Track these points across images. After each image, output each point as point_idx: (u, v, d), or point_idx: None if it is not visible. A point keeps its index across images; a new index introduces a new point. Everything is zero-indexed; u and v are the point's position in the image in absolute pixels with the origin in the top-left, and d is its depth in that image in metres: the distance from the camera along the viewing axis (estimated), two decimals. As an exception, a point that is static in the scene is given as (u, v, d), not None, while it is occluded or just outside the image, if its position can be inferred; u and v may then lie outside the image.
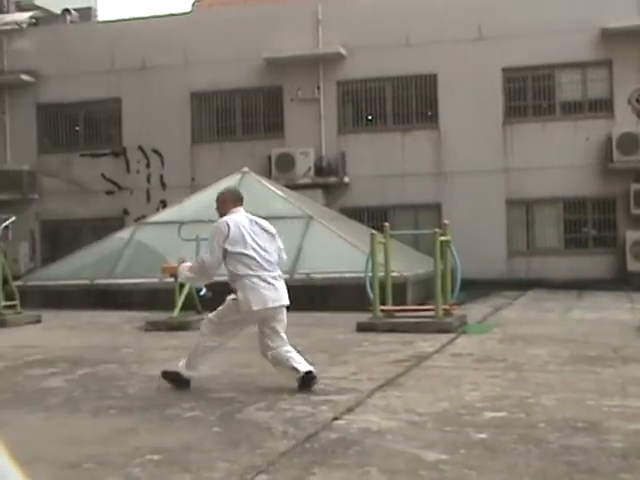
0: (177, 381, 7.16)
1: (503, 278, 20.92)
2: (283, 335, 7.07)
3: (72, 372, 8.31)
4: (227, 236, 6.90)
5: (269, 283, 6.91)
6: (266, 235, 7.13)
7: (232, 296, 7.04)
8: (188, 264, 7.49)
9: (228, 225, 6.94)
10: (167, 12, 26.40)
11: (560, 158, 21.32)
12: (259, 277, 6.88)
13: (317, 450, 4.96)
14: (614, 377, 7.42)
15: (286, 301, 7.07)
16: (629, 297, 17.27)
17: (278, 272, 7.10)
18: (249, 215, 7.21)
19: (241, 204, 7.28)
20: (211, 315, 7.23)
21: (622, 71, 21.11)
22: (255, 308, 6.82)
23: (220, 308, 7.15)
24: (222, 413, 6.10)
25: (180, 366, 7.16)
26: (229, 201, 7.26)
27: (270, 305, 6.90)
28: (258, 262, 6.91)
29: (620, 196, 21.19)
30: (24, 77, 24.70)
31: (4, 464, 1.56)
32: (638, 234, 20.61)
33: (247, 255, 6.89)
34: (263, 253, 6.97)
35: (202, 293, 13.21)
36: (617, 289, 19.23)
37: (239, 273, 6.90)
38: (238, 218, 7.06)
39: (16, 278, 16.08)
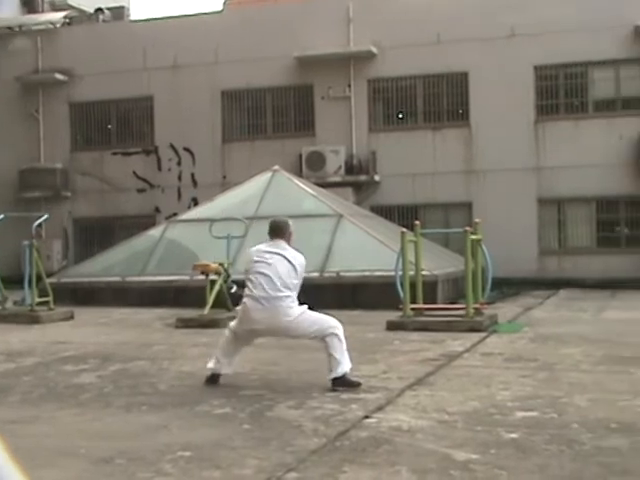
0: None
1: (534, 277, 20.77)
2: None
3: (104, 368, 8.38)
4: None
5: (261, 304, 7.21)
6: (283, 260, 7.45)
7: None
8: None
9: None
10: (198, 11, 26.47)
11: (592, 156, 21.13)
12: (251, 298, 7.28)
13: (347, 448, 4.96)
14: (648, 378, 7.34)
15: (274, 321, 7.23)
16: (663, 297, 17.07)
17: (279, 293, 7.27)
18: (273, 246, 7.57)
19: (274, 236, 7.66)
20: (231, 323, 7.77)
21: (656, 68, 20.88)
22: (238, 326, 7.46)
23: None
24: (252, 410, 6.11)
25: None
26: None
27: (255, 326, 7.29)
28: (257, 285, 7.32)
29: (654, 195, 20.97)
30: (58, 76, 24.90)
31: (5, 464, 1.56)
32: (672, 233, 20.38)
33: (249, 279, 7.40)
34: (272, 276, 7.31)
35: (233, 291, 13.26)
36: (651, 289, 19.03)
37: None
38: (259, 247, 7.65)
39: (49, 275, 16.24)
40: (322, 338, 7.16)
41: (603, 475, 4.34)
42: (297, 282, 7.43)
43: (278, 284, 7.24)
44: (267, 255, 7.43)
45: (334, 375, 6.99)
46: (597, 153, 21.12)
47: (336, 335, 7.15)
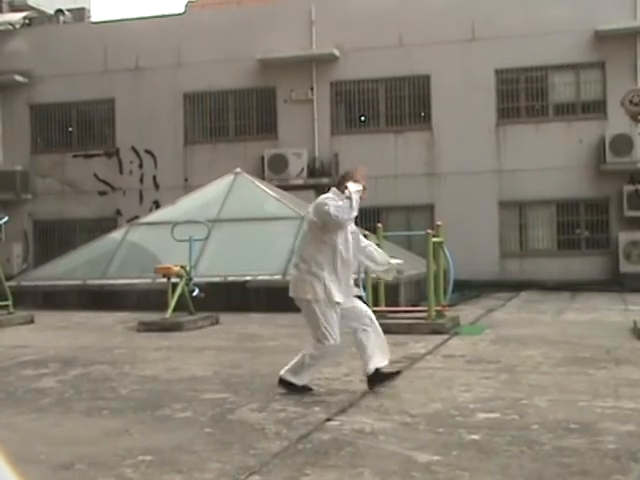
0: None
1: (496, 279, 20.94)
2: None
3: (64, 373, 8.29)
4: None
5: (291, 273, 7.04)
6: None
7: None
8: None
9: None
10: (160, 13, 26.33)
11: (553, 159, 21.35)
12: None
13: (310, 451, 4.95)
14: (607, 378, 7.43)
15: (292, 293, 6.88)
16: (622, 298, 17.29)
17: (297, 260, 6.97)
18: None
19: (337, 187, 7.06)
20: None
21: (615, 73, 21.17)
22: None
23: None
24: (214, 414, 6.08)
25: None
26: None
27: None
28: None
29: (613, 197, 21.23)
30: (17, 78, 24.63)
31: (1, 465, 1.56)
32: (631, 235, 20.65)
33: None
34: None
35: (195, 294, 13.22)
36: (610, 290, 19.27)
37: None
38: None
39: (9, 279, 16.04)
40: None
41: (562, 475, 4.38)
42: (314, 232, 6.78)
43: (298, 248, 6.95)
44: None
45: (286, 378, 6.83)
46: (558, 156, 21.34)
47: (311, 351, 6.78)
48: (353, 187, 6.86)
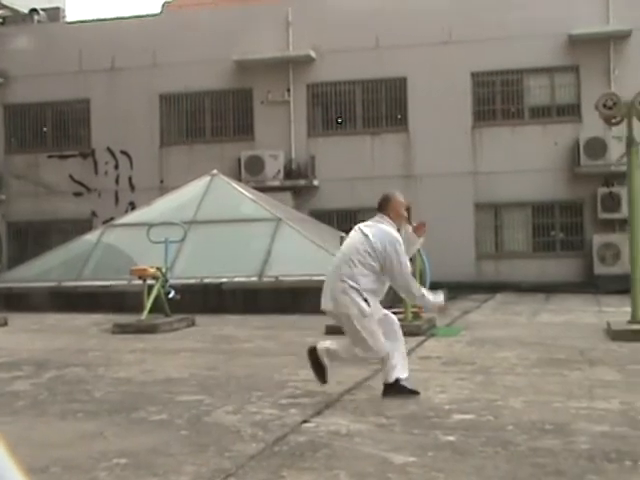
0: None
1: (472, 281, 21.02)
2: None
3: (38, 375, 8.23)
4: None
5: (326, 283, 6.85)
6: (357, 236, 6.80)
7: None
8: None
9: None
10: (136, 13, 26.24)
11: (528, 162, 21.47)
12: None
13: (286, 453, 4.95)
14: (581, 379, 7.48)
15: (327, 306, 6.82)
16: (596, 300, 17.42)
17: (342, 270, 6.68)
18: (369, 221, 6.91)
19: (377, 209, 6.93)
20: None
21: (589, 76, 21.33)
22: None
23: None
24: (189, 416, 6.06)
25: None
26: None
27: (324, 308, 6.93)
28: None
29: (587, 200, 21.38)
30: (-9, 77, 24.47)
31: (4, 462, 1.54)
32: (605, 238, 20.80)
33: None
34: (338, 255, 6.86)
35: (171, 296, 13.17)
36: (584, 292, 19.40)
37: None
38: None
39: (-18, 280, 15.92)
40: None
41: (537, 475, 4.41)
42: (371, 262, 6.55)
43: (339, 261, 6.72)
44: (354, 229, 6.87)
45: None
46: (533, 159, 21.47)
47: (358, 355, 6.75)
48: (417, 242, 7.02)
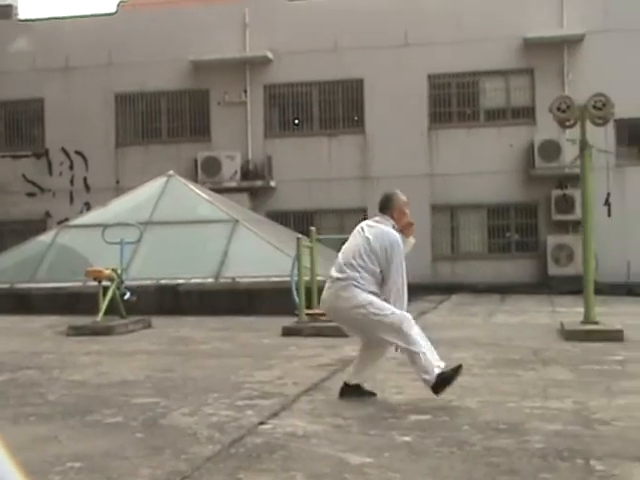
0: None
1: (428, 282, 21.13)
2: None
3: (-9, 378, 8.11)
4: None
5: (328, 287, 6.67)
6: (359, 237, 6.70)
7: None
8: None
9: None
10: (92, 12, 26.01)
11: (484, 164, 21.66)
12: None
13: (242, 455, 4.93)
14: (535, 379, 7.56)
15: (331, 305, 6.60)
16: (550, 300, 17.63)
17: (339, 275, 6.56)
18: (370, 221, 6.85)
19: (379, 209, 6.91)
20: None
21: (543, 80, 21.60)
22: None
23: None
24: (145, 419, 6.01)
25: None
26: None
27: (325, 311, 6.85)
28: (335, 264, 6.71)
29: (542, 202, 21.63)
30: (-58, 76, 24.08)
31: (4, 463, 1.52)
32: (559, 239, 21.05)
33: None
34: (340, 255, 6.71)
35: (126, 297, 13.07)
36: (539, 293, 19.64)
37: None
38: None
39: None
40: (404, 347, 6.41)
41: (491, 475, 4.44)
42: (372, 266, 6.43)
43: (342, 263, 6.56)
44: (357, 230, 6.73)
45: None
46: (488, 161, 21.67)
47: (408, 344, 6.32)
48: (408, 243, 6.88)
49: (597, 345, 9.93)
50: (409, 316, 6.45)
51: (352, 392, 6.61)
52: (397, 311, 6.42)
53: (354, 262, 6.47)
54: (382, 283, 6.52)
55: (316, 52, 22.41)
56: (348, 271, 6.47)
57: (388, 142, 22.10)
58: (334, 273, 6.59)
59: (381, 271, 6.49)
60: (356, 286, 6.41)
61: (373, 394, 6.69)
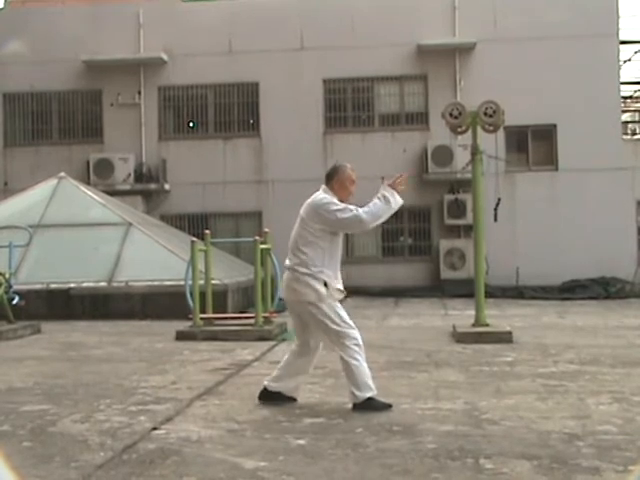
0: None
1: (323, 286, 21.22)
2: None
3: None
4: None
5: (284, 277, 6.51)
6: (298, 218, 6.49)
7: None
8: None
9: None
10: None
11: (379, 168, 21.84)
12: None
13: (135, 461, 4.86)
14: (428, 381, 7.69)
15: (286, 297, 6.51)
16: (442, 304, 17.98)
17: (288, 262, 6.43)
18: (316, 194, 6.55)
19: (325, 183, 6.60)
20: None
21: (437, 86, 22.00)
22: None
23: None
24: (33, 427, 5.86)
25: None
26: None
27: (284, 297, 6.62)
28: None
29: (434, 206, 22.01)
30: None
31: (3, 473, 1.46)
32: (451, 243, 21.47)
33: None
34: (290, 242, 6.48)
35: (15, 302, 12.73)
36: (432, 296, 20.00)
37: None
38: None
39: None
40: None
41: (385, 475, 4.50)
42: (313, 239, 6.29)
43: (290, 248, 6.39)
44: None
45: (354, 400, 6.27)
46: (383, 165, 21.87)
47: (347, 356, 6.27)
48: (397, 197, 6.97)
49: (487, 347, 10.18)
50: (357, 333, 6.38)
51: (272, 397, 6.56)
52: (346, 323, 6.32)
53: (299, 244, 6.35)
54: (338, 233, 6.45)
55: (211, 54, 22.28)
56: (296, 256, 6.35)
57: (283, 146, 22.14)
58: (287, 261, 6.46)
59: (323, 230, 6.34)
60: (308, 274, 6.26)
61: (293, 399, 6.60)
